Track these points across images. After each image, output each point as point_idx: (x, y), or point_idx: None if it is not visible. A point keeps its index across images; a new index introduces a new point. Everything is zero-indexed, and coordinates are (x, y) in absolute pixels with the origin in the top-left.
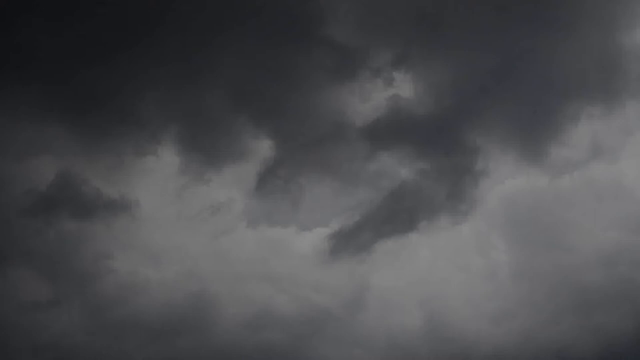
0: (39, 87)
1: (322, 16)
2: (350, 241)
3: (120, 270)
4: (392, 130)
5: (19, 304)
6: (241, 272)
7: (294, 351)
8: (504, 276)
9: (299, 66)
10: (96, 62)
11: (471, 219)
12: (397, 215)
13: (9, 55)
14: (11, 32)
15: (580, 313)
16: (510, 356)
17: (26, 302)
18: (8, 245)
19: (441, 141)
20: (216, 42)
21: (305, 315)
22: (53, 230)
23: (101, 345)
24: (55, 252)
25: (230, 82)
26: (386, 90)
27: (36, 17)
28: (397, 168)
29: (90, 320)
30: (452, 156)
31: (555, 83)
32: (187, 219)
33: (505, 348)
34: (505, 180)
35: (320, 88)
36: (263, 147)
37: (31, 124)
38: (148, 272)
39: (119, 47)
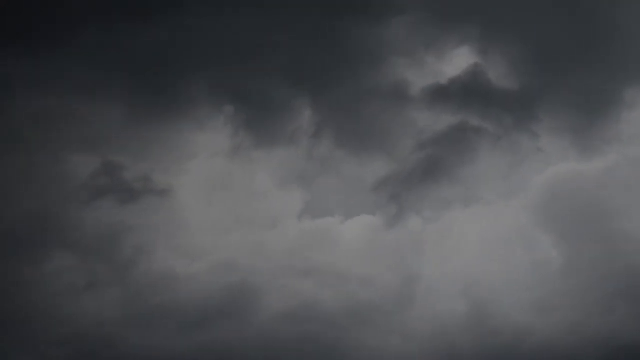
0: (80, 70)
1: None
2: (394, 228)
3: (159, 259)
4: (447, 107)
5: (56, 292)
6: (284, 264)
7: (336, 342)
8: (553, 264)
9: (362, 46)
10: (142, 41)
11: (519, 204)
12: (446, 197)
13: (56, 45)
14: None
15: (632, 301)
16: (560, 347)
17: (63, 291)
18: (49, 233)
19: (497, 119)
20: (269, 19)
21: (348, 306)
22: (95, 218)
23: (134, 334)
24: (96, 241)
25: (287, 63)
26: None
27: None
28: (445, 150)
29: (124, 309)
30: (508, 135)
31: (618, 68)
32: (230, 207)
33: (555, 339)
34: (557, 164)
35: (384, 69)
36: (314, 132)
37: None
38: (187, 261)
39: (165, 25)
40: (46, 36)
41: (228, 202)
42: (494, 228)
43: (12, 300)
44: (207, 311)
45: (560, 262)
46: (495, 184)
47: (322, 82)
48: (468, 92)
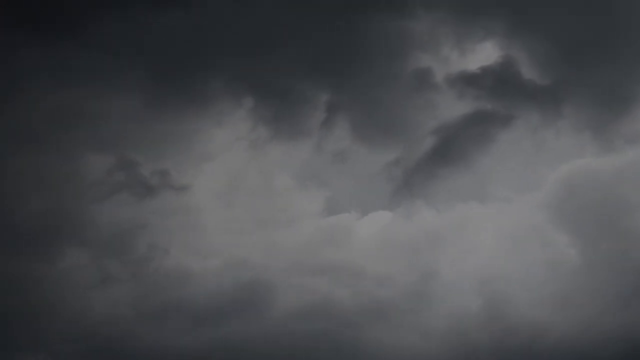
0: (97, 64)
1: None
2: (410, 224)
3: (173, 256)
4: (468, 101)
5: (70, 289)
6: (299, 261)
7: (352, 340)
8: (569, 261)
9: (385, 40)
10: (161, 34)
11: (535, 200)
12: (463, 193)
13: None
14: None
15: None
16: (577, 344)
17: (76, 288)
18: (63, 231)
19: (518, 114)
20: (292, 12)
21: (364, 304)
22: (110, 215)
23: (147, 330)
24: (111, 238)
25: (308, 57)
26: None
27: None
28: (463, 146)
29: (138, 306)
30: (527, 130)
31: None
32: (246, 204)
33: (572, 335)
34: (575, 160)
35: (407, 64)
36: (332, 127)
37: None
38: (201, 258)
39: (184, 19)
40: (62, 29)
41: (244, 199)
42: (511, 224)
43: (25, 298)
44: (221, 308)
45: (577, 258)
46: (512, 180)
47: (343, 77)
48: (490, 86)
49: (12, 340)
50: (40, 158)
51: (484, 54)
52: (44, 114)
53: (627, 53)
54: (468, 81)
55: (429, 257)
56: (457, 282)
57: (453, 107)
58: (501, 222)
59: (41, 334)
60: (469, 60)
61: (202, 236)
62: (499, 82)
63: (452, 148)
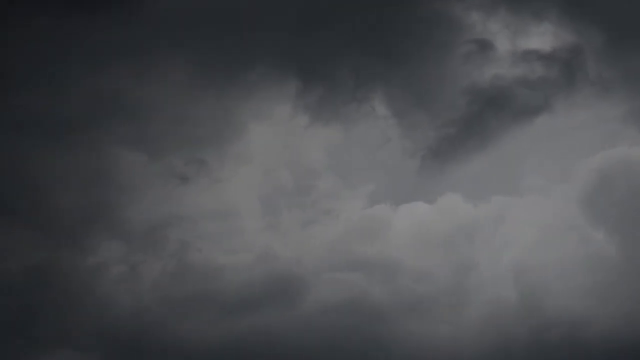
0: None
1: None
2: (446, 216)
3: (204, 248)
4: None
5: (101, 282)
6: (332, 255)
7: (387, 334)
8: (608, 253)
9: (434, 26)
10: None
11: (572, 191)
12: (499, 185)
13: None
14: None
15: None
16: (620, 339)
17: (107, 280)
18: (99, 224)
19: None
20: None
21: (398, 296)
22: (144, 207)
23: (173, 321)
24: (143, 230)
25: (352, 41)
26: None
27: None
28: (503, 137)
29: (165, 295)
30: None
31: None
32: (279, 198)
33: (611, 329)
34: (613, 148)
35: (455, 53)
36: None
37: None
38: (234, 251)
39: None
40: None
41: (279, 192)
42: (547, 216)
43: (56, 290)
44: (252, 302)
45: (615, 251)
46: (548, 169)
47: (390, 62)
48: (534, 71)
49: (40, 332)
50: (76, 150)
51: (533, 39)
52: (80, 101)
53: None
54: (511, 65)
55: (465, 250)
56: (494, 275)
57: (491, 94)
58: (537, 214)
59: (69, 326)
60: (516, 45)
61: (235, 229)
62: (543, 68)
63: (488, 136)
